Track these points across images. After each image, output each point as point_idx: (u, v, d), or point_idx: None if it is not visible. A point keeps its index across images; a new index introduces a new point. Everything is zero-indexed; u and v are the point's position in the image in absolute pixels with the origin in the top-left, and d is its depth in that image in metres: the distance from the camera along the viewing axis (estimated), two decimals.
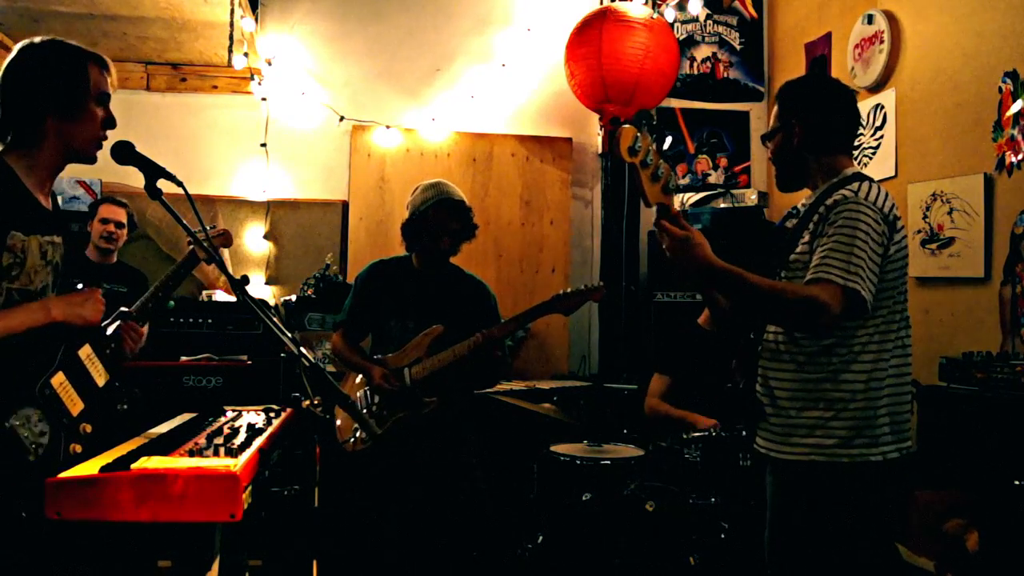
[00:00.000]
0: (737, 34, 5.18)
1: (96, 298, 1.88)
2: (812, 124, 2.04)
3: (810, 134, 2.04)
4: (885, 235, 1.87)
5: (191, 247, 2.37)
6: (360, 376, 3.02)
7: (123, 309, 2.11)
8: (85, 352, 1.90)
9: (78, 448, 1.78)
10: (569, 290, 2.93)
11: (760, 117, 5.16)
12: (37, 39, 1.89)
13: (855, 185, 1.93)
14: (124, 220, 3.69)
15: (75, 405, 1.81)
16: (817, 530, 1.91)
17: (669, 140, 1.80)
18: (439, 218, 2.90)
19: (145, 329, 2.12)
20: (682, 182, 5.09)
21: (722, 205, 4.75)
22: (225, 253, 4.67)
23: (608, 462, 3.05)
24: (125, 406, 2.03)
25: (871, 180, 1.97)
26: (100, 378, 1.92)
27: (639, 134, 1.78)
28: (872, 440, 1.88)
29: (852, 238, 1.83)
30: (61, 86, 1.84)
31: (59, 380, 1.79)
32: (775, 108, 2.13)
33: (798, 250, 1.98)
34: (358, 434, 2.88)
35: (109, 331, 2.06)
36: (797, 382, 1.95)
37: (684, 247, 1.84)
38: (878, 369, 1.90)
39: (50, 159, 1.90)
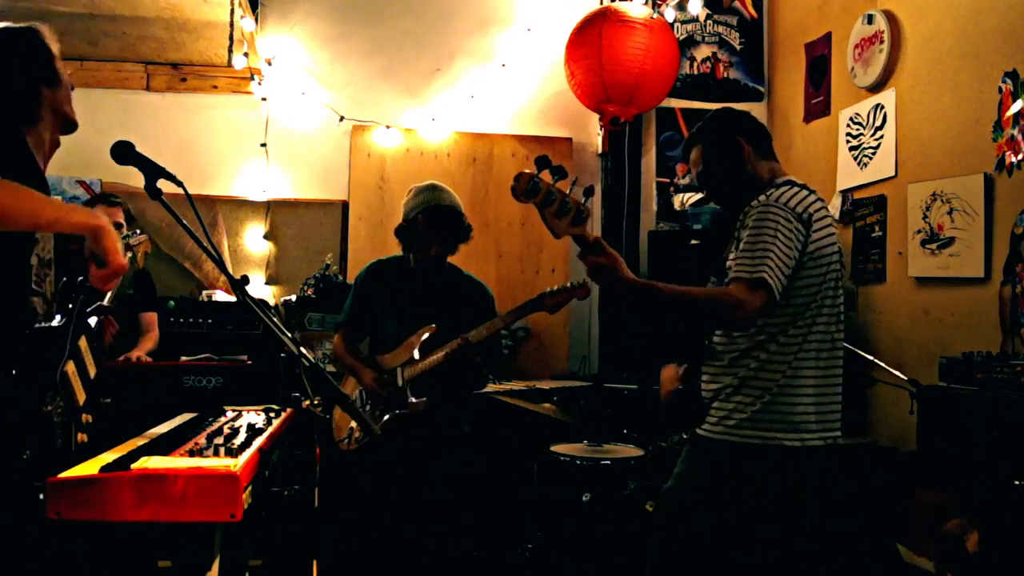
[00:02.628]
0: (737, 34, 5.18)
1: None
2: (751, 134, 2.19)
3: (754, 144, 2.18)
4: (798, 232, 1.97)
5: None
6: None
7: (101, 303, 2.09)
8: (83, 343, 1.92)
9: (84, 437, 1.83)
10: (555, 288, 2.93)
11: (760, 117, 5.12)
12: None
13: (771, 191, 2.06)
14: (121, 220, 3.67)
15: (80, 394, 1.85)
16: (717, 503, 2.04)
17: (574, 180, 1.89)
18: (428, 225, 2.90)
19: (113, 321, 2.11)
20: (682, 182, 5.09)
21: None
22: (225, 253, 4.69)
23: (608, 462, 3.05)
24: (108, 400, 2.02)
25: (793, 184, 2.10)
26: (92, 369, 1.95)
27: (537, 176, 1.93)
28: (790, 426, 1.99)
29: (759, 236, 1.95)
30: (41, 56, 1.92)
31: (71, 368, 1.82)
32: (697, 149, 2.25)
33: (729, 257, 2.08)
34: (354, 434, 2.89)
35: (93, 324, 2.06)
36: (728, 375, 2.07)
37: (602, 272, 1.95)
38: (800, 361, 2.01)
39: (51, 133, 1.96)
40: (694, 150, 2.27)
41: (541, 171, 1.95)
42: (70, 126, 2.00)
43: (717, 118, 2.28)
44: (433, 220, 2.90)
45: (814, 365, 2.03)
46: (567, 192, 1.97)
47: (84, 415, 1.87)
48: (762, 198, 2.04)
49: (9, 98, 1.89)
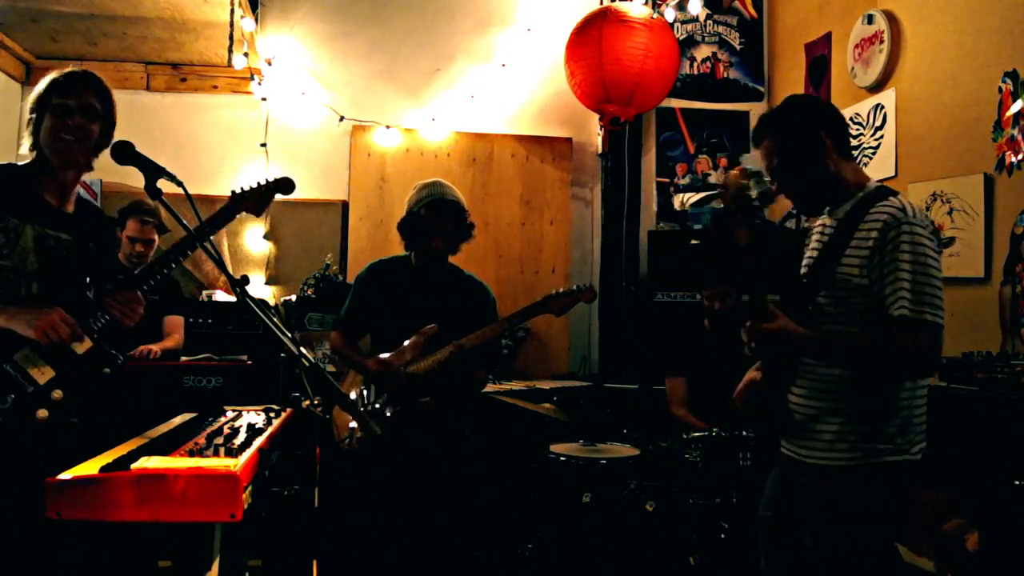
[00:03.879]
0: (737, 34, 5.17)
1: (50, 319, 1.95)
2: (833, 128, 2.00)
3: (836, 140, 1.99)
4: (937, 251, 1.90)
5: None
6: (358, 375, 3.01)
7: (108, 286, 2.12)
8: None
9: (43, 413, 1.93)
10: (561, 290, 2.94)
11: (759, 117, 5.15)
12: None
13: (896, 202, 1.90)
14: (154, 237, 3.64)
15: (43, 375, 1.95)
16: (864, 525, 1.91)
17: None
18: (432, 218, 2.90)
19: (138, 296, 2.12)
20: (682, 182, 5.09)
21: (722, 205, 4.75)
22: (225, 253, 4.69)
23: (604, 461, 3.05)
24: (108, 370, 2.05)
25: (892, 193, 1.96)
26: (80, 347, 2.00)
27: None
28: (910, 442, 1.92)
29: (925, 269, 1.84)
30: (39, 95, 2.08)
31: (23, 354, 1.94)
32: (770, 141, 2.03)
33: (845, 265, 1.93)
34: (355, 434, 2.88)
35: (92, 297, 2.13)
36: (840, 395, 1.95)
37: (776, 339, 1.88)
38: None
39: (48, 164, 2.07)
40: (766, 141, 2.04)
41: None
42: (65, 164, 2.08)
43: (797, 107, 2.06)
44: (435, 212, 2.90)
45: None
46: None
47: (54, 391, 1.95)
48: (899, 214, 1.86)
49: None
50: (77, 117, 2.04)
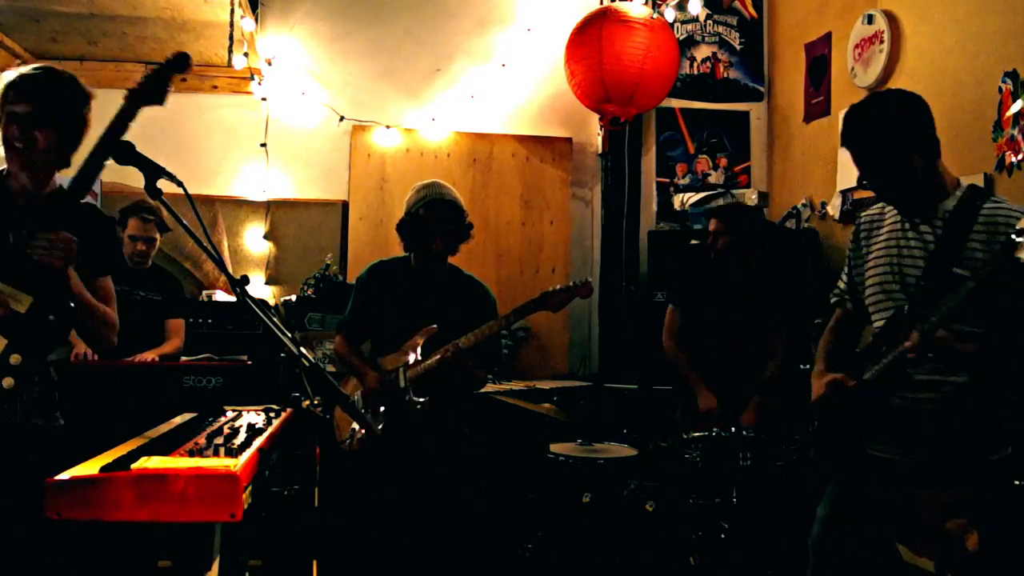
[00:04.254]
0: (737, 34, 5.17)
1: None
2: (924, 139, 1.98)
3: (927, 150, 1.98)
4: None
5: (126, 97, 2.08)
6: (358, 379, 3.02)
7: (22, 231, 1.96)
8: None
9: (9, 381, 1.88)
10: (558, 287, 2.93)
11: (760, 117, 5.16)
12: None
13: (1005, 201, 1.94)
14: (155, 236, 3.65)
15: None
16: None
17: None
18: (430, 218, 2.90)
19: (61, 234, 1.93)
20: (682, 182, 5.09)
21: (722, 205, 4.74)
22: (225, 253, 4.69)
23: (604, 461, 3.05)
24: (52, 317, 1.96)
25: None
26: (21, 306, 1.92)
27: None
28: None
29: None
30: None
31: None
32: (882, 135, 1.98)
33: (967, 265, 1.90)
34: (356, 434, 2.88)
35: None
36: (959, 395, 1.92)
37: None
38: None
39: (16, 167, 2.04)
40: (865, 142, 2.01)
41: None
42: (15, 162, 2.03)
43: (904, 103, 2.01)
44: (435, 212, 2.91)
45: None
46: None
47: (12, 355, 1.89)
48: (1012, 212, 1.89)
49: None
50: (20, 126, 1.98)
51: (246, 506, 1.61)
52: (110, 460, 1.63)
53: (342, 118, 4.87)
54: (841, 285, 2.32)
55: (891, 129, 1.97)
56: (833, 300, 2.35)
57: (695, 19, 5.10)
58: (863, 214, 2.29)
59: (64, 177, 2.14)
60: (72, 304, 1.99)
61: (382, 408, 2.91)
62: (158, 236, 3.65)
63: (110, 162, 1.93)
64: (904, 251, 2.08)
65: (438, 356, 2.83)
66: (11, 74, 2.02)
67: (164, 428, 2.12)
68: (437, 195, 2.94)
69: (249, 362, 3.61)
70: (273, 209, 4.81)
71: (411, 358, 2.91)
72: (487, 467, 3.23)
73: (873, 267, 2.15)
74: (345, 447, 2.89)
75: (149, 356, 3.43)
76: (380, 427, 2.87)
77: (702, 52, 5.16)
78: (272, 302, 4.60)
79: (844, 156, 4.11)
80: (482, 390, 3.36)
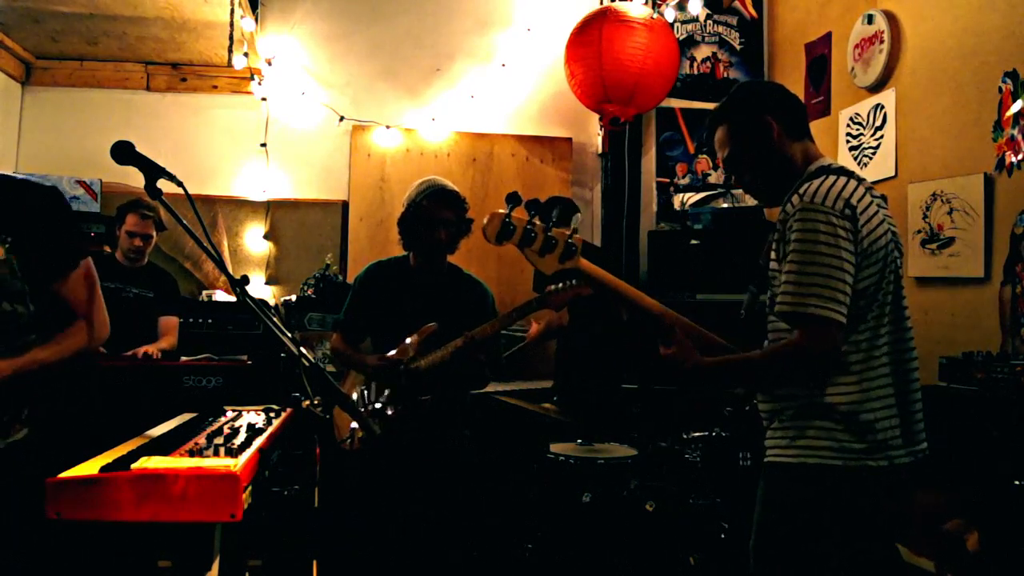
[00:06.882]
0: (737, 34, 5.18)
1: None
2: (780, 111, 1.88)
3: (785, 123, 1.88)
4: (846, 232, 1.69)
5: None
6: (359, 375, 3.01)
7: None
8: None
9: None
10: (560, 286, 2.93)
11: None
12: None
13: (805, 186, 1.76)
14: (152, 233, 3.66)
15: None
16: (802, 531, 1.78)
17: (555, 211, 1.74)
18: (433, 207, 2.90)
19: None
20: (682, 182, 5.09)
21: (722, 205, 4.75)
22: (225, 253, 4.69)
23: (604, 461, 3.05)
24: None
25: (828, 170, 1.81)
26: None
27: (508, 215, 1.82)
28: (875, 446, 1.72)
29: (803, 257, 1.68)
30: None
31: None
32: (722, 129, 1.93)
33: (771, 265, 1.82)
34: (356, 434, 2.88)
35: None
36: (787, 396, 1.82)
37: (677, 363, 1.82)
38: (872, 371, 1.74)
39: None
40: (718, 130, 1.94)
41: (513, 208, 1.82)
42: None
43: (741, 93, 1.95)
44: (437, 202, 2.90)
45: (888, 372, 1.75)
46: (549, 225, 1.81)
47: None
48: (796, 199, 1.74)
49: None
50: None
51: (246, 506, 1.61)
52: (110, 460, 1.63)
53: (342, 118, 4.87)
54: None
55: (727, 122, 1.93)
56: None
57: (695, 19, 5.10)
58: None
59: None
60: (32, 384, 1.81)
61: (387, 391, 2.89)
62: (155, 234, 3.65)
63: (110, 162, 1.92)
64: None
65: (449, 347, 2.82)
66: None
67: (164, 428, 2.12)
68: (439, 186, 2.95)
69: (249, 362, 3.62)
70: (273, 209, 4.81)
71: (411, 354, 2.91)
72: (487, 467, 3.23)
73: None
74: (346, 447, 2.88)
75: (151, 349, 3.43)
76: (378, 427, 2.86)
77: (702, 52, 5.16)
78: (272, 302, 4.60)
79: (844, 157, 4.13)
80: (483, 388, 3.36)
